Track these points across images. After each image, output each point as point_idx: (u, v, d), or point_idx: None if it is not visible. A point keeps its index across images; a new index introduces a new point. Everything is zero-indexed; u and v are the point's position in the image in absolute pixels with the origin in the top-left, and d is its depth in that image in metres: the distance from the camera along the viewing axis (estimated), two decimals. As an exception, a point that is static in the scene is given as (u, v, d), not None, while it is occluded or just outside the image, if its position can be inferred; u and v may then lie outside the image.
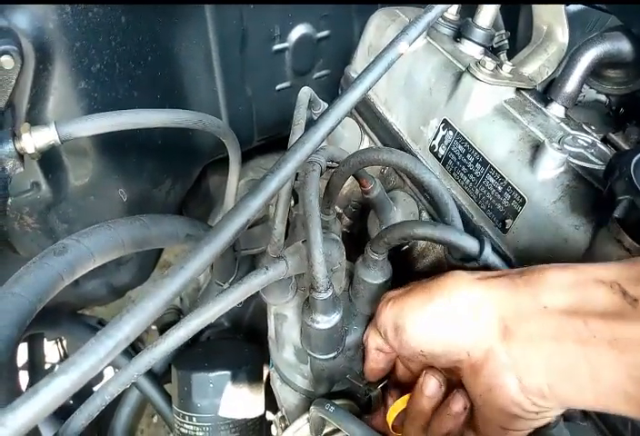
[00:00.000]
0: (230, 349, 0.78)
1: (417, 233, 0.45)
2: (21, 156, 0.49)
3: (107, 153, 0.64)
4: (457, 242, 0.45)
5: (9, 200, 0.57)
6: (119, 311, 0.33)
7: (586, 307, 0.35)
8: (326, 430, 0.57)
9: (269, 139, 0.86)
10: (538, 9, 0.61)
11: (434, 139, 0.57)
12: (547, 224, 0.44)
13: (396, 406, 0.49)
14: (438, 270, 0.47)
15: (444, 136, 0.55)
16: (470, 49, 0.59)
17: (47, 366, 1.13)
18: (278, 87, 0.80)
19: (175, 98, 0.70)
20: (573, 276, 0.36)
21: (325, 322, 0.47)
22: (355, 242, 0.70)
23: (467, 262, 0.48)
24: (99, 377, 0.97)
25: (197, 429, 0.67)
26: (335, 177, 0.52)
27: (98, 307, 1.23)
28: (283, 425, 0.63)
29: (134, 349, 0.86)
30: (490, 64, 0.51)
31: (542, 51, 0.60)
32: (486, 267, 0.45)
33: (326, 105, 0.62)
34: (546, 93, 0.55)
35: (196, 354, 0.75)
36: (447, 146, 0.55)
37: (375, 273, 0.51)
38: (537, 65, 0.60)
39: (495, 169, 0.49)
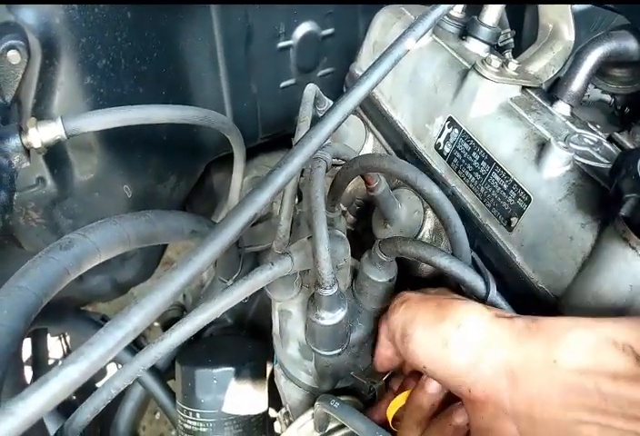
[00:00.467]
0: (234, 345, 0.78)
1: (433, 262, 0.44)
2: (27, 151, 0.49)
3: (113, 149, 0.64)
4: (469, 283, 0.44)
5: (15, 195, 0.57)
6: (122, 308, 0.33)
7: (597, 368, 0.34)
8: (331, 426, 0.57)
9: (273, 136, 0.86)
10: (544, 8, 0.61)
11: (439, 137, 0.57)
12: (553, 223, 0.44)
13: (397, 401, 0.49)
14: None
15: (449, 134, 0.55)
16: (476, 47, 0.59)
17: (51, 362, 1.13)
18: (283, 85, 0.80)
19: (180, 94, 0.70)
20: (587, 336, 0.35)
21: (330, 318, 0.47)
22: (360, 240, 0.70)
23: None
24: (102, 373, 0.97)
25: (201, 424, 0.68)
26: (338, 179, 0.52)
27: (101, 304, 1.23)
28: (287, 421, 0.64)
29: (136, 345, 0.86)
30: (496, 61, 0.51)
31: (548, 49, 0.60)
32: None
33: (331, 103, 0.62)
34: (552, 91, 0.55)
35: (200, 350, 0.76)
36: (453, 144, 0.55)
37: (380, 272, 0.51)
38: (543, 64, 0.60)
39: (500, 167, 0.49)
